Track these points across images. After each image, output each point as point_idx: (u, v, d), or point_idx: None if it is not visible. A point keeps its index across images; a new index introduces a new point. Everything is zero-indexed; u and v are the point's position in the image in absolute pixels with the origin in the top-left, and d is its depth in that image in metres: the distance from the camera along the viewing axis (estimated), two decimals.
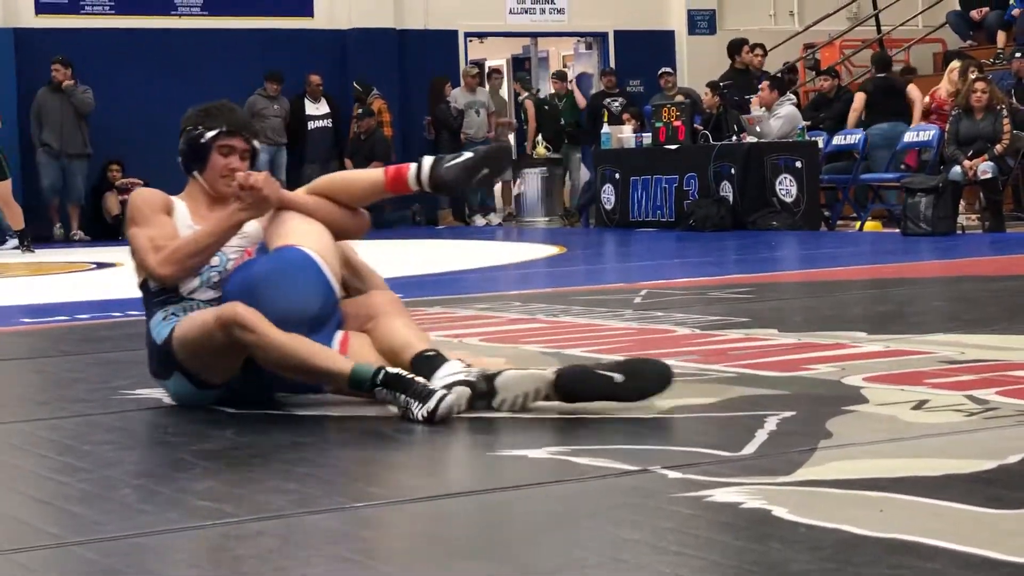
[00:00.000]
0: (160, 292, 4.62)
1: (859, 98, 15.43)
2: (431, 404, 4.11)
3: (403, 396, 4.17)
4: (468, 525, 3.05)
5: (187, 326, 4.45)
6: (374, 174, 4.84)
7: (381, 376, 4.19)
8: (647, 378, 4.27)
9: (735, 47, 17.31)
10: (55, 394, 5.20)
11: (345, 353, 4.45)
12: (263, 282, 4.50)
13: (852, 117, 15.31)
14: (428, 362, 4.39)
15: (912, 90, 15.56)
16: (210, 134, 4.75)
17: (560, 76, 19.64)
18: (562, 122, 19.07)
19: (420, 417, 4.11)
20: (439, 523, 3.07)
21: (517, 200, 19.49)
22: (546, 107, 19.39)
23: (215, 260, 4.63)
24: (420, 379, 4.21)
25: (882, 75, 15.75)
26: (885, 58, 16.31)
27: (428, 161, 4.69)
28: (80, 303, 9.07)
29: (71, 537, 2.98)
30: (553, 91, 20.09)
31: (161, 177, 17.51)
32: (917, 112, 15.19)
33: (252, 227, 4.72)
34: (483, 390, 4.28)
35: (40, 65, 17.30)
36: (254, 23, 18.73)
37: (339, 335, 4.56)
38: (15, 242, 15.56)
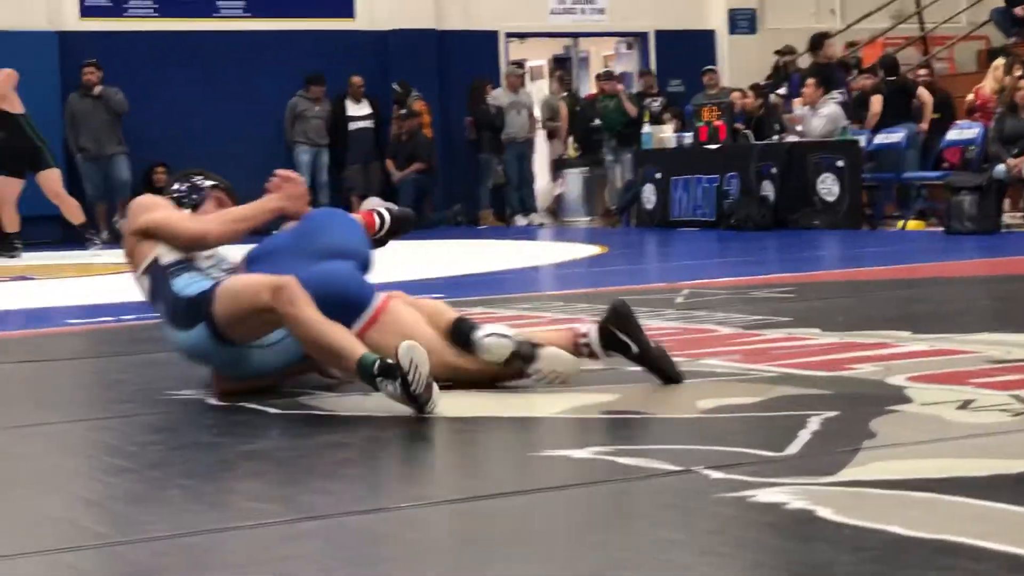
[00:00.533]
0: (176, 263, 4.90)
1: (876, 100, 15.33)
2: (417, 387, 4.22)
3: (396, 382, 4.24)
4: (511, 526, 3.06)
5: (238, 281, 4.74)
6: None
7: (377, 366, 4.29)
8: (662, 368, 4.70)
9: (817, 42, 16.85)
10: (102, 395, 5.23)
11: (384, 308, 4.72)
12: (317, 227, 5.01)
13: (871, 120, 15.20)
14: (471, 323, 4.75)
15: (922, 92, 15.51)
16: (209, 183, 5.28)
17: (607, 76, 19.56)
18: (595, 122, 18.96)
19: (416, 396, 4.23)
20: (483, 524, 3.08)
21: (558, 200, 19.47)
22: (577, 108, 19.34)
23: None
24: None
25: (892, 78, 15.62)
26: (892, 60, 16.19)
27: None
28: (126, 304, 9.11)
29: (118, 537, 3.00)
30: (596, 92, 20.02)
31: None
32: (927, 114, 15.16)
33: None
34: (527, 353, 4.62)
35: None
36: (295, 24, 18.78)
37: (381, 296, 4.77)
38: (98, 241, 15.16)
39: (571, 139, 19.31)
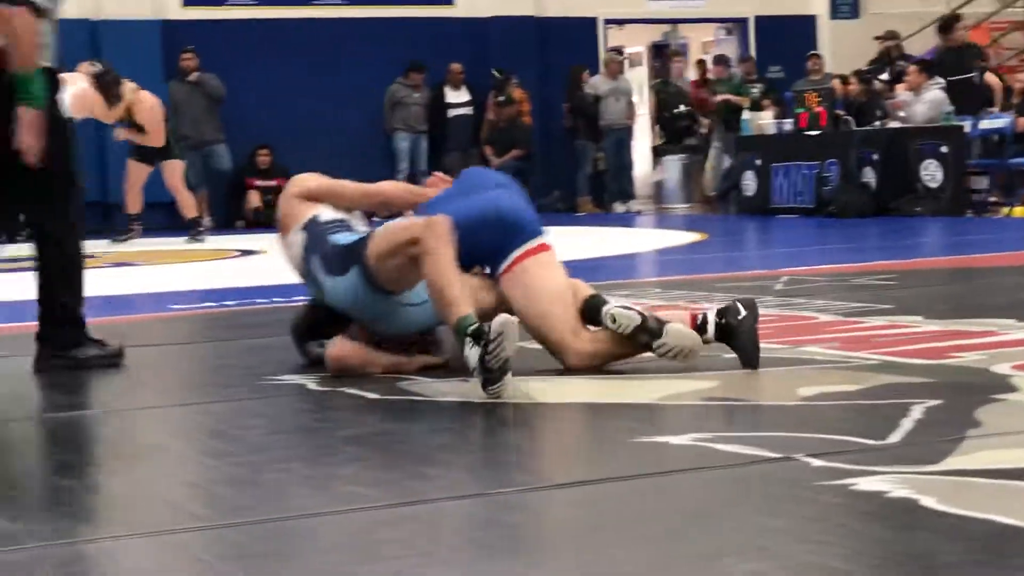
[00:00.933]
0: (334, 222, 5.20)
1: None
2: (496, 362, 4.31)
3: (478, 349, 4.32)
4: (611, 512, 3.05)
5: (393, 222, 5.02)
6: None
7: (472, 328, 4.39)
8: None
9: (947, 25, 16.54)
10: (204, 379, 5.29)
11: (546, 249, 5.03)
12: (481, 173, 5.46)
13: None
14: (602, 298, 4.95)
15: (990, 78, 15.31)
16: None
17: (721, 61, 19.38)
18: (679, 109, 18.86)
19: (489, 367, 4.30)
20: (582, 509, 3.08)
21: (657, 187, 19.41)
22: (661, 95, 19.32)
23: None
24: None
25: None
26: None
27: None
28: (226, 290, 9.21)
29: (220, 520, 3.03)
30: (697, 77, 19.90)
31: (302, 167, 17.73)
32: (997, 99, 14.99)
33: None
34: (654, 328, 4.76)
35: None
36: (395, 12, 18.84)
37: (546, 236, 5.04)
38: (203, 237, 15.14)
39: (658, 127, 19.20)
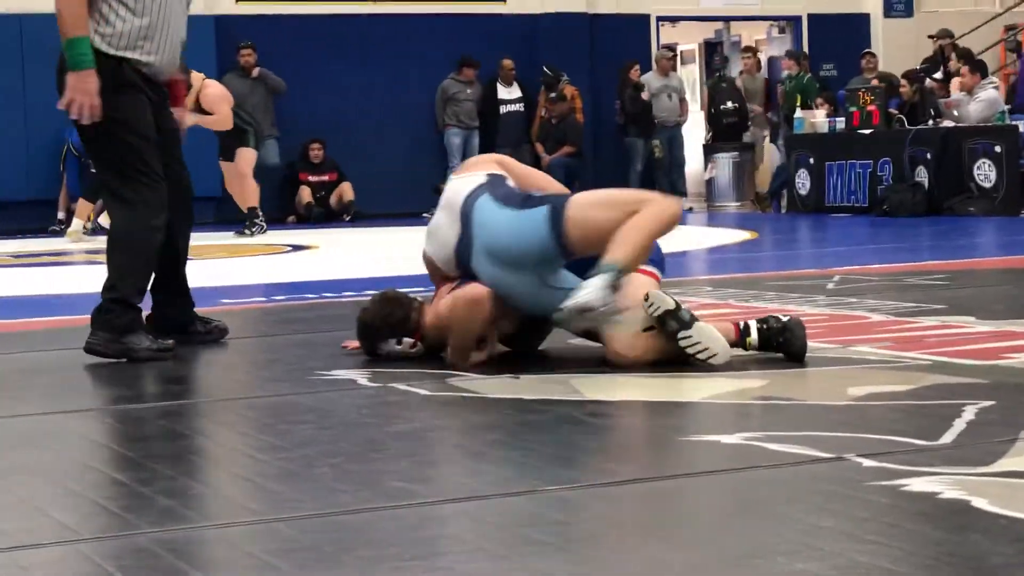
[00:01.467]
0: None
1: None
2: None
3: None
4: (661, 510, 3.05)
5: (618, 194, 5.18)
6: None
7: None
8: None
9: None
10: (254, 374, 5.31)
11: None
12: None
13: None
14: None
15: None
16: None
17: (793, 55, 19.23)
18: (727, 105, 18.81)
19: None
20: (633, 507, 3.07)
21: (708, 185, 19.35)
22: (713, 92, 19.25)
23: None
24: None
25: None
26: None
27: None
28: (277, 284, 9.24)
29: (271, 514, 3.04)
30: (743, 69, 19.80)
31: (354, 162, 17.81)
32: None
33: None
34: (684, 319, 4.77)
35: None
36: (447, 8, 18.87)
37: None
38: (256, 231, 15.19)
39: (707, 124, 19.07)
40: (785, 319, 4.93)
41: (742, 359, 4.93)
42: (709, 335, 4.80)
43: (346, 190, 17.86)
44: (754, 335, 4.91)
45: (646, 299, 4.84)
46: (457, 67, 18.34)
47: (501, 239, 4.99)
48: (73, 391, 5.07)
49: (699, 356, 4.79)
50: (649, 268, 5.17)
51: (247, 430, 4.12)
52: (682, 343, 4.79)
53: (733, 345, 4.91)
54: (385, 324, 5.23)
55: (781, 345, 4.88)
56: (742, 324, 4.95)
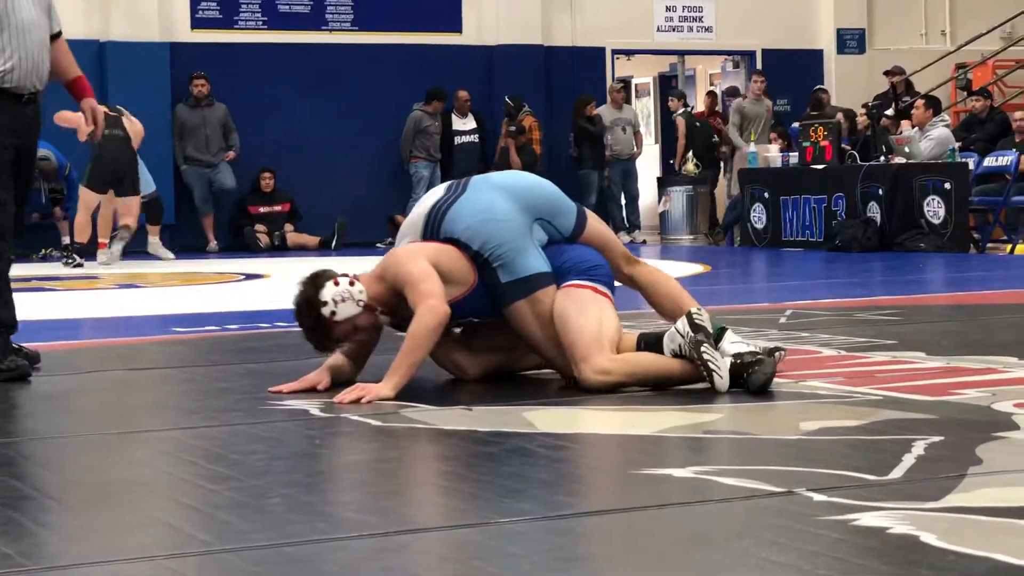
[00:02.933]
0: None
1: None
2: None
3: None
4: (612, 544, 3.05)
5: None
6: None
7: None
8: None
9: None
10: (205, 403, 5.28)
11: None
12: None
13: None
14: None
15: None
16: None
17: (732, 93, 19.39)
18: (715, 139, 18.86)
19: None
20: (583, 541, 3.08)
21: (662, 218, 19.42)
22: (697, 124, 19.19)
23: None
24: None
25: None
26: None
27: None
28: (229, 313, 9.21)
29: (221, 544, 3.03)
30: (704, 108, 19.90)
31: (308, 190, 17.77)
32: None
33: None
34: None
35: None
36: (403, 39, 18.88)
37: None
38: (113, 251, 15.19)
39: (690, 154, 18.99)
40: (760, 355, 4.94)
41: (695, 393, 4.95)
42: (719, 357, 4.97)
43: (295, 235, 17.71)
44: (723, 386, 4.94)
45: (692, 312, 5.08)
46: (426, 99, 18.28)
47: (524, 180, 5.43)
48: (27, 418, 5.04)
49: (712, 368, 4.91)
50: (595, 285, 5.25)
51: (197, 459, 4.10)
52: (705, 354, 4.92)
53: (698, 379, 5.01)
54: (312, 331, 5.28)
55: (748, 377, 4.90)
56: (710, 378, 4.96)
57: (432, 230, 5.30)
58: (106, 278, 13.29)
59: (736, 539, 3.00)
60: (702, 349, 4.92)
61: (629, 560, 2.89)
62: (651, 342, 5.14)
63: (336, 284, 5.18)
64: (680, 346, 5.05)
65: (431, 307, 5.03)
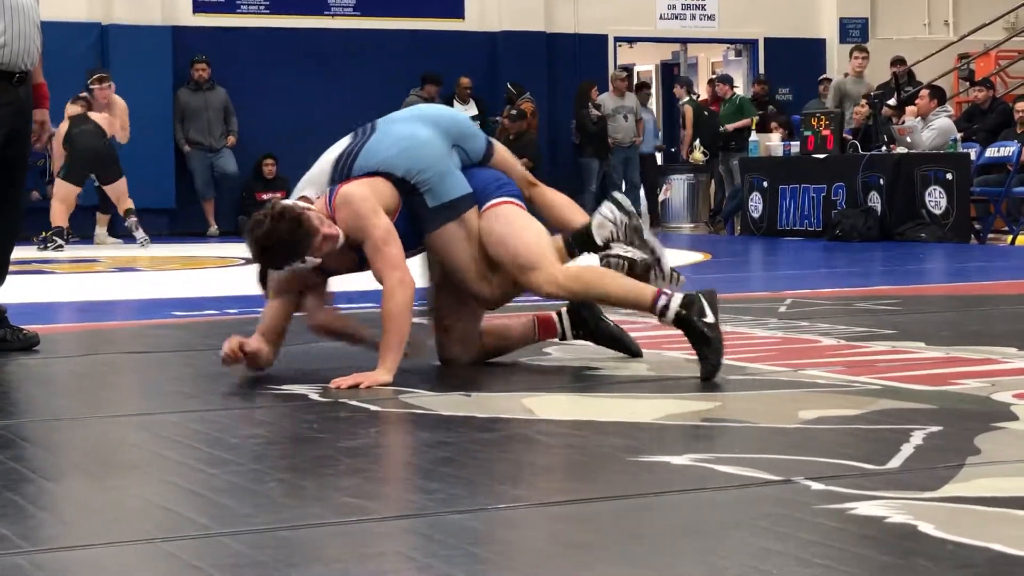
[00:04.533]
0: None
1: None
2: None
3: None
4: (609, 530, 3.05)
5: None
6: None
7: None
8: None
9: None
10: (204, 387, 5.29)
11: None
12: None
13: None
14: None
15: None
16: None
17: (725, 80, 19.39)
18: (722, 128, 18.79)
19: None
20: (580, 527, 3.07)
21: (662, 206, 19.43)
22: (705, 112, 19.12)
23: None
24: None
25: None
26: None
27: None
28: (229, 298, 9.20)
29: (219, 528, 3.03)
30: (705, 96, 19.86)
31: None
32: None
33: None
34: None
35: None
36: (405, 24, 18.88)
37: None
38: (140, 233, 15.39)
39: (697, 142, 18.90)
40: (709, 321, 5.02)
41: (693, 380, 4.95)
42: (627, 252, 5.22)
43: None
44: (671, 318, 5.06)
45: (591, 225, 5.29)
46: (420, 83, 18.29)
47: (434, 108, 5.53)
48: (26, 400, 5.05)
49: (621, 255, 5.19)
50: (518, 201, 5.37)
51: (196, 443, 4.10)
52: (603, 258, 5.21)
53: (645, 310, 5.16)
54: (289, 241, 5.07)
55: (698, 354, 5.02)
56: (662, 301, 5.08)
57: (342, 175, 5.32)
58: (105, 261, 13.29)
59: (733, 527, 3.00)
60: (644, 235, 5.23)
61: (626, 547, 2.89)
62: (580, 236, 5.29)
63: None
64: (613, 232, 5.22)
65: (401, 281, 5.02)
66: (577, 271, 5.24)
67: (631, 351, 5.56)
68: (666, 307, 5.04)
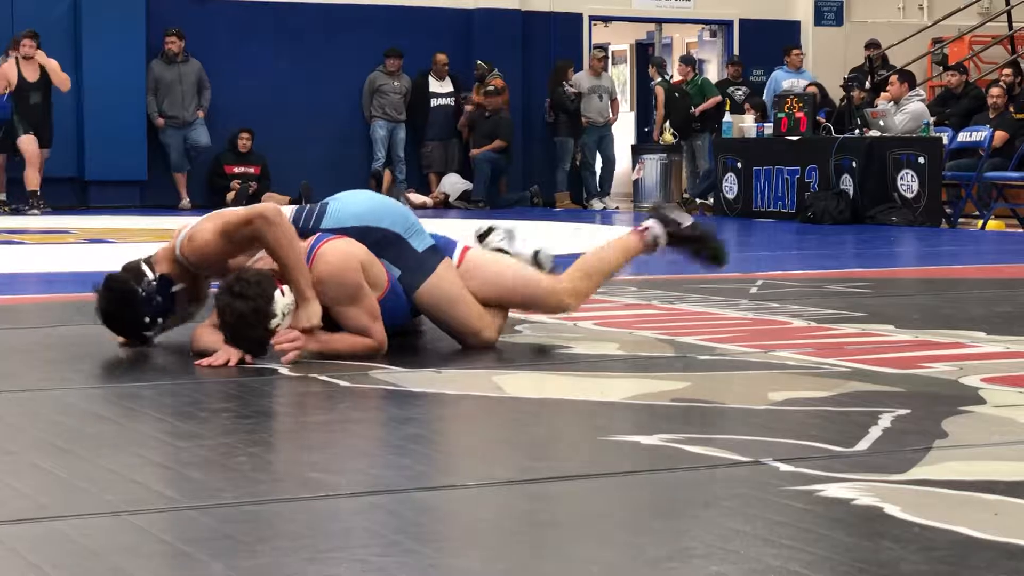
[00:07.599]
0: None
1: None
2: None
3: None
4: (577, 509, 3.06)
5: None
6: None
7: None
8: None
9: None
10: (175, 360, 5.27)
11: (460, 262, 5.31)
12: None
13: None
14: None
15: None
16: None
17: (687, 61, 19.44)
18: (691, 109, 18.79)
19: None
20: (549, 506, 3.08)
21: (635, 185, 19.43)
22: (676, 94, 19.11)
23: None
24: None
25: None
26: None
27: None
28: None
29: (187, 501, 3.03)
30: (679, 76, 19.87)
31: (282, 150, 17.71)
32: None
33: None
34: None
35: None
36: (381, 0, 18.81)
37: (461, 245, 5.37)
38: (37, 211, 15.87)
39: (667, 124, 18.90)
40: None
41: (665, 360, 4.96)
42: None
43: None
44: (664, 240, 5.48)
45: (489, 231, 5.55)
46: (383, 58, 18.31)
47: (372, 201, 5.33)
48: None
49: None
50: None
51: (166, 416, 4.09)
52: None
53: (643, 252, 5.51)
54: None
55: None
56: (648, 237, 5.46)
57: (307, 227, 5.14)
58: (77, 232, 13.24)
59: (702, 508, 3.01)
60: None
61: (595, 526, 2.89)
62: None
63: (283, 295, 4.89)
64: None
65: (373, 347, 5.01)
66: (573, 272, 5.43)
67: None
68: (656, 236, 5.46)
